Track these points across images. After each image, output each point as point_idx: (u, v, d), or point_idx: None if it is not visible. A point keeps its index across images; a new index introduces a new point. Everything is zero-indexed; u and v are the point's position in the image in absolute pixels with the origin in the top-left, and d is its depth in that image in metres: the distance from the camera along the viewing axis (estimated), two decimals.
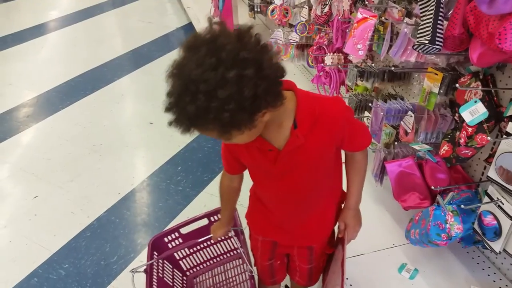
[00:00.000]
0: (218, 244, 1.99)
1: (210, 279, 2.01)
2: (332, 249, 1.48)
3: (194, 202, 2.62)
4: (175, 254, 1.90)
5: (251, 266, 1.55)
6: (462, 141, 1.48)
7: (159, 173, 2.88)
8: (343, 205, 1.42)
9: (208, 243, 1.93)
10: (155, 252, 1.80)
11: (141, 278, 1.59)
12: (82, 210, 2.55)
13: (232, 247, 2.03)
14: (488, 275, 1.77)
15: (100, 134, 3.31)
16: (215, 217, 1.88)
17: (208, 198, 2.63)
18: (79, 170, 2.90)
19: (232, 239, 1.63)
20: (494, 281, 1.74)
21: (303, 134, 1.08)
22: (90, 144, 3.17)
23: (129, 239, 2.35)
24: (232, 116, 0.87)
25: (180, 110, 0.89)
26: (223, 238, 1.68)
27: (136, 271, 1.59)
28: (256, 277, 1.58)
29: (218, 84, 0.84)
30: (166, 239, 1.87)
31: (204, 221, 1.88)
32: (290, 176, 1.18)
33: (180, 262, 1.97)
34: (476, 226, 1.58)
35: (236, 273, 2.01)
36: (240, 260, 2.05)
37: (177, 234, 1.87)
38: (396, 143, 1.95)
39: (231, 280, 1.99)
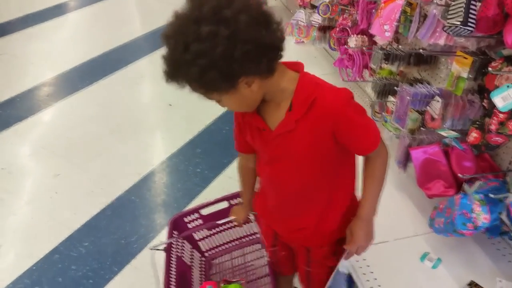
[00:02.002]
0: (237, 228, 1.99)
1: (229, 262, 2.02)
2: (335, 262, 1.35)
3: (213, 184, 2.62)
4: (195, 234, 1.91)
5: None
6: (493, 127, 1.43)
7: (178, 154, 2.88)
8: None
9: (228, 225, 1.92)
10: (174, 231, 1.81)
11: (161, 257, 1.60)
12: (102, 189, 2.58)
13: (252, 231, 2.02)
14: None
15: (120, 115, 3.32)
16: (235, 200, 1.87)
17: (227, 181, 2.63)
18: (99, 149, 2.92)
19: (251, 223, 1.61)
20: None
21: (295, 119, 1.05)
22: (110, 124, 3.19)
23: (149, 218, 2.37)
24: (202, 72, 0.89)
25: (164, 60, 0.95)
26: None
27: (156, 249, 1.60)
28: None
29: (193, 38, 0.87)
30: (186, 219, 1.87)
31: (224, 204, 1.88)
32: (279, 163, 1.17)
33: (199, 243, 1.98)
34: (503, 217, 1.53)
35: (255, 258, 2.01)
36: (259, 244, 2.04)
37: (197, 215, 1.88)
38: (421, 129, 1.90)
39: (249, 264, 1.99)
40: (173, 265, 1.68)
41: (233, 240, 2.03)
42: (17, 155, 2.91)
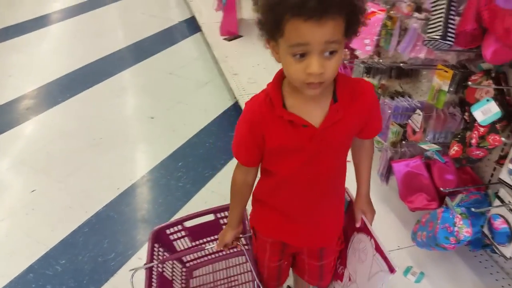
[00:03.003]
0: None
1: (211, 275, 1.96)
2: (342, 244, 1.44)
3: (195, 198, 2.57)
4: (176, 245, 1.85)
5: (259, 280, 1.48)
6: (473, 141, 1.43)
7: (160, 168, 2.83)
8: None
9: (212, 237, 1.88)
10: (155, 244, 1.74)
11: (140, 273, 1.54)
12: (80, 205, 2.51)
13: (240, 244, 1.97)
14: (497, 280, 1.72)
15: (100, 128, 3.26)
16: (222, 214, 1.82)
17: (209, 195, 2.58)
18: (78, 164, 2.85)
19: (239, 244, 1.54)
20: (502, 286, 1.70)
21: (341, 109, 1.06)
22: (90, 137, 3.12)
23: (128, 235, 2.31)
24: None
25: None
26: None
27: (136, 270, 1.53)
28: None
29: None
30: (168, 231, 1.82)
31: (210, 217, 1.83)
32: (320, 158, 1.12)
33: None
34: (485, 230, 1.53)
35: (239, 272, 1.96)
36: (244, 258, 1.99)
37: (180, 227, 1.82)
38: (403, 142, 1.90)
39: (233, 279, 1.94)
40: (154, 283, 1.63)
41: (216, 252, 1.98)
42: None
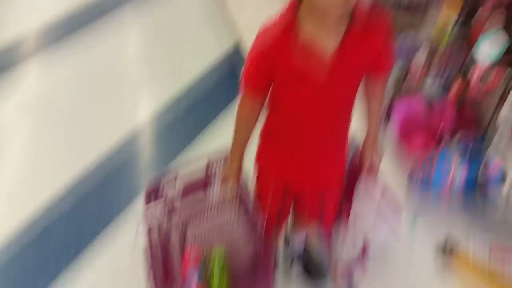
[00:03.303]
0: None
1: (207, 224, 1.96)
2: (343, 183, 1.45)
3: (197, 140, 2.56)
4: (170, 195, 1.85)
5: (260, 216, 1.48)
6: (476, 76, 1.37)
7: (162, 111, 2.81)
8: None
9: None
10: (151, 197, 1.74)
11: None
12: (84, 150, 2.53)
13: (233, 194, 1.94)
14: (489, 223, 1.72)
15: (101, 71, 3.22)
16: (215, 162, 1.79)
17: (212, 138, 2.58)
18: (81, 109, 2.82)
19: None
20: (494, 229, 1.70)
21: (357, 38, 1.04)
22: (92, 82, 3.08)
23: (132, 180, 2.34)
24: None
25: None
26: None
27: (137, 229, 1.54)
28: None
29: None
30: (164, 183, 1.81)
31: (203, 164, 1.80)
32: (331, 90, 1.10)
33: (175, 203, 1.92)
34: (480, 174, 1.51)
35: (233, 219, 1.96)
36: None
37: (174, 176, 1.82)
38: (406, 80, 1.83)
39: (227, 227, 1.94)
40: (155, 236, 1.64)
41: (212, 204, 1.96)
42: None
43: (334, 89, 1.10)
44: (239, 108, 1.24)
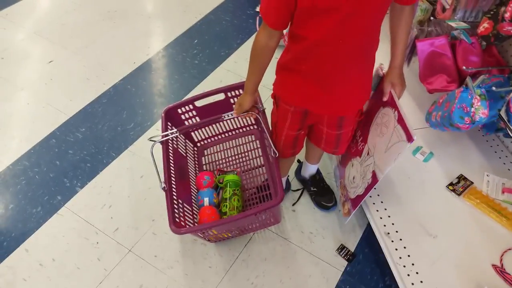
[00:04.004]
0: (231, 119, 1.97)
1: (222, 152, 2.04)
2: (362, 116, 1.48)
3: (210, 77, 2.56)
4: (187, 124, 1.90)
5: (275, 147, 1.53)
6: (507, 15, 1.34)
7: (175, 44, 2.78)
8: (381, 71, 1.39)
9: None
10: (169, 123, 1.80)
11: (158, 149, 1.61)
12: (97, 76, 2.53)
13: (245, 124, 2.01)
14: (504, 163, 1.75)
15: (114, 0, 3.14)
16: (232, 93, 1.83)
17: (225, 74, 2.57)
18: (93, 36, 2.81)
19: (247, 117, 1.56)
20: (509, 169, 1.73)
21: None
22: (104, 10, 3.03)
23: (146, 107, 2.36)
24: None
25: None
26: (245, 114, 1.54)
27: (153, 140, 1.60)
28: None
29: None
30: (180, 110, 1.85)
31: (220, 96, 1.84)
32: (355, 19, 1.08)
33: (192, 133, 1.99)
34: (502, 113, 1.50)
35: (249, 149, 2.03)
36: (253, 136, 2.05)
37: (191, 107, 1.85)
38: (431, 20, 1.79)
39: (242, 155, 2.01)
40: (171, 156, 1.70)
41: (226, 132, 2.04)
42: (10, 41, 2.80)
43: (356, 20, 1.08)
44: (256, 39, 1.23)
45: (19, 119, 2.31)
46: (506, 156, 1.77)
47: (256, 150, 2.01)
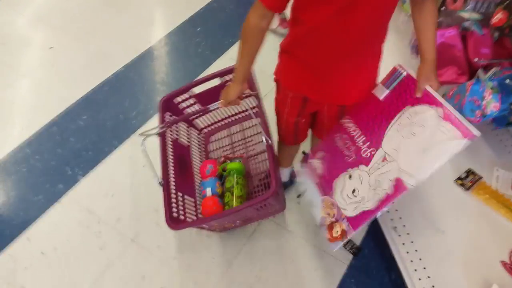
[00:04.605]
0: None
1: (228, 138, 2.01)
2: None
3: (214, 65, 2.52)
4: (186, 113, 1.87)
5: (268, 136, 1.49)
6: None
7: (178, 32, 2.73)
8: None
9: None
10: (168, 113, 1.75)
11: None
12: (99, 64, 2.49)
13: (248, 106, 1.96)
14: None
15: None
16: (228, 77, 1.78)
17: (228, 63, 2.45)
18: (95, 23, 2.76)
19: (248, 98, 1.52)
20: None
21: None
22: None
23: (148, 96, 2.32)
24: None
25: None
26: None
27: (146, 135, 1.51)
28: (275, 144, 1.53)
29: None
30: (178, 99, 1.80)
31: (217, 81, 1.79)
32: (356, 7, 1.04)
33: (195, 121, 1.95)
34: None
35: (254, 133, 1.99)
36: (259, 118, 2.01)
37: (188, 95, 1.81)
38: (441, 10, 1.75)
39: (248, 139, 1.98)
40: (170, 149, 1.66)
41: (230, 116, 2.00)
42: (11, 27, 2.75)
43: (357, 10, 1.04)
44: (246, 20, 1.16)
45: (20, 106, 2.27)
46: None
47: (261, 134, 1.97)
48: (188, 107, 1.85)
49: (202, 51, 2.61)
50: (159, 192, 1.86)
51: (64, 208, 1.83)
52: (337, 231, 1.37)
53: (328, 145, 1.48)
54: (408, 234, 1.50)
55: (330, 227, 1.39)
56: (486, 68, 1.59)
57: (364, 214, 1.30)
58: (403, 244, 1.47)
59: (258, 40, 1.19)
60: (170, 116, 1.77)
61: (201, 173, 1.82)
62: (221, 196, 1.74)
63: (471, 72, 1.67)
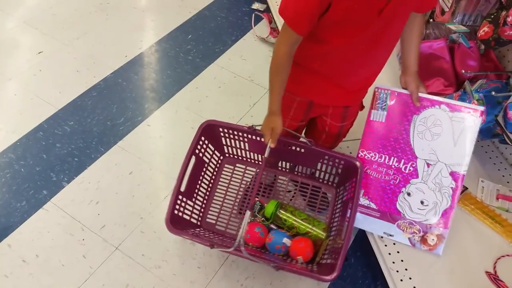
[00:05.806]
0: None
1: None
2: (363, 108, 1.51)
3: (204, 73, 2.51)
4: (223, 139, 1.70)
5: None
6: (510, 19, 1.32)
7: (168, 39, 2.73)
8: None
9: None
10: (202, 137, 1.61)
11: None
12: (88, 69, 2.47)
13: None
14: (499, 169, 1.74)
15: None
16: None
17: (219, 71, 2.52)
18: (85, 28, 2.75)
19: None
20: (503, 176, 1.72)
21: None
22: (97, 1, 2.96)
23: (137, 102, 2.31)
24: None
25: None
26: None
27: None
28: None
29: None
30: (220, 130, 1.64)
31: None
32: (383, 31, 1.10)
33: (225, 147, 1.75)
34: (499, 118, 1.49)
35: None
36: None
37: (233, 132, 1.63)
38: (430, 22, 1.78)
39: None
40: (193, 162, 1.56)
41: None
42: (0, 30, 2.74)
43: (385, 31, 1.10)
44: (278, 50, 1.15)
45: (5, 110, 2.24)
46: (501, 162, 1.76)
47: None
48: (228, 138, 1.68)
49: (192, 59, 2.60)
50: (144, 200, 1.85)
51: (48, 215, 1.80)
52: (433, 239, 1.45)
53: (366, 184, 1.50)
54: (394, 244, 1.50)
55: (423, 240, 1.47)
56: (473, 80, 1.62)
57: (446, 213, 1.43)
58: (389, 254, 1.47)
59: (289, 67, 1.19)
60: (204, 140, 1.63)
61: (252, 237, 1.55)
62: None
63: (458, 83, 1.69)
